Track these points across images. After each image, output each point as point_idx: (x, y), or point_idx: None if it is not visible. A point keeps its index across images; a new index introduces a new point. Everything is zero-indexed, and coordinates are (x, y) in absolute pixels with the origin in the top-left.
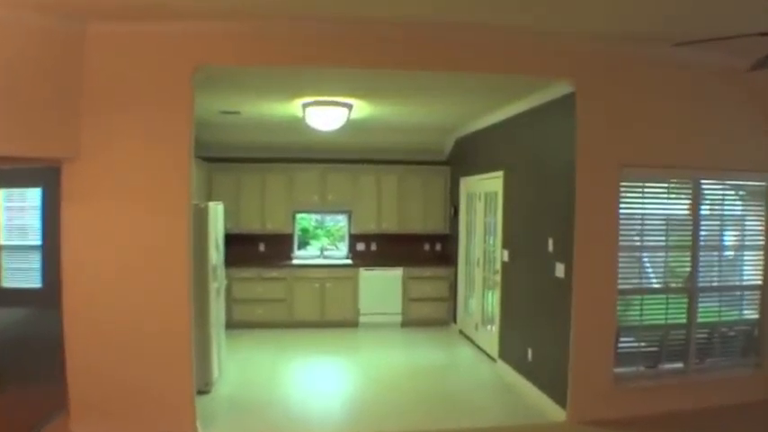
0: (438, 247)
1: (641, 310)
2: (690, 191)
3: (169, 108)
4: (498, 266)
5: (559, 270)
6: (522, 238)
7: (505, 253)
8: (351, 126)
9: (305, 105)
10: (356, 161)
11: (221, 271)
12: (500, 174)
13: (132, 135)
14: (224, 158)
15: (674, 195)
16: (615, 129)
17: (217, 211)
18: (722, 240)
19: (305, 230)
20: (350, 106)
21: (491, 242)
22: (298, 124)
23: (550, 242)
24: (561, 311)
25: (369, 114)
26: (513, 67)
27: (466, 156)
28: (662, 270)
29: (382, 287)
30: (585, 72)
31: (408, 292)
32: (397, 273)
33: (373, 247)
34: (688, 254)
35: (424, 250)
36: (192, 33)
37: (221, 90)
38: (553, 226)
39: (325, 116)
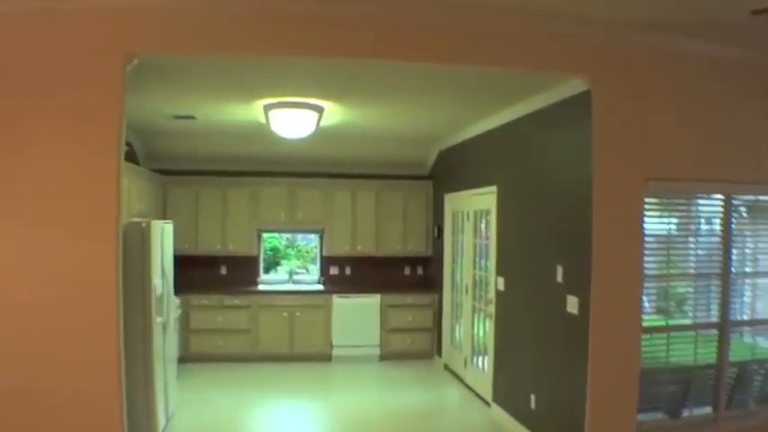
0: (420, 270)
1: (667, 348)
2: (721, 208)
3: (94, 105)
4: (492, 296)
5: (572, 304)
6: (523, 265)
7: (500, 281)
8: (322, 135)
9: (267, 108)
10: (328, 175)
11: (170, 301)
12: (493, 189)
13: (47, 138)
14: (180, 171)
15: (703, 213)
16: (639, 134)
17: (163, 230)
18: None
19: (275, 250)
20: (320, 109)
21: (482, 267)
22: (262, 132)
23: (559, 271)
24: (574, 353)
25: (342, 120)
26: (514, 59)
27: (452, 169)
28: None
29: (358, 316)
30: (603, 67)
31: (387, 321)
32: (374, 300)
33: (348, 270)
34: (717, 282)
35: (404, 274)
36: (124, 12)
37: (169, 88)
38: (563, 252)
39: (292, 121)
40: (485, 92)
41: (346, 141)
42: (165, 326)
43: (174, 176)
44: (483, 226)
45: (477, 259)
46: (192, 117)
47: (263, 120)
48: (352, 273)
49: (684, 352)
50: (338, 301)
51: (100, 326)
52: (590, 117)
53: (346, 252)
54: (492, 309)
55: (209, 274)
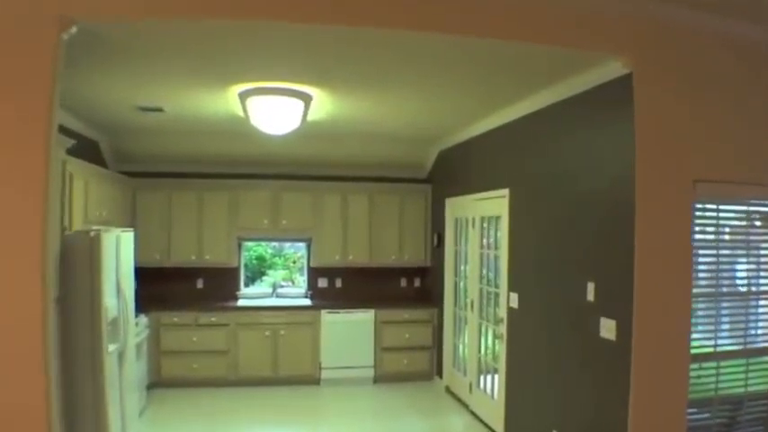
0: (417, 283)
1: (716, 377)
2: None
3: (17, 83)
4: (503, 314)
5: (607, 328)
6: (541, 280)
7: (513, 297)
8: (309, 132)
9: (244, 95)
10: (316, 177)
11: (128, 324)
12: (504, 192)
13: None
14: (151, 173)
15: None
16: (687, 128)
17: (120, 240)
18: None
19: (261, 259)
20: (306, 98)
21: (491, 280)
22: (242, 128)
23: (590, 288)
24: (610, 385)
25: (331, 114)
26: (542, 34)
27: (454, 171)
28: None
29: (349, 334)
30: (648, 46)
31: (381, 339)
32: (367, 315)
33: (338, 283)
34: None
35: (400, 287)
36: None
37: (129, 71)
38: (595, 266)
39: (274, 111)
40: (500, 77)
41: (336, 140)
42: (121, 353)
43: (145, 179)
44: (491, 234)
45: (485, 272)
46: (159, 109)
47: (240, 112)
48: (343, 285)
49: (732, 381)
50: (327, 317)
51: (21, 361)
52: (628, 107)
53: (336, 263)
54: (503, 328)
55: (184, 288)
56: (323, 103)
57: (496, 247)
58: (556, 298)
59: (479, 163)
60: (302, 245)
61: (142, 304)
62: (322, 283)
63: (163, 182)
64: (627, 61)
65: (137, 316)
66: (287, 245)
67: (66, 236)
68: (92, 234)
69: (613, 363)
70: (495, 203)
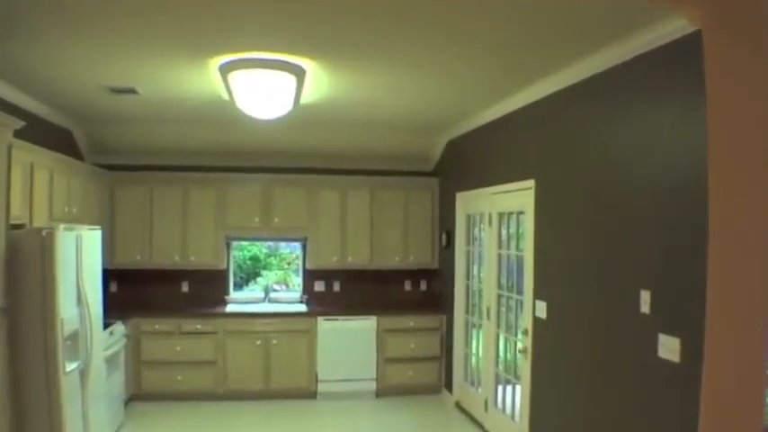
0: (423, 286)
1: None
2: None
3: None
4: (527, 325)
5: (668, 347)
6: (577, 286)
7: (541, 305)
8: (303, 119)
9: (225, 69)
10: (312, 170)
11: (93, 337)
12: (530, 183)
13: None
14: (131, 166)
15: None
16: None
17: (82, 240)
18: None
19: (255, 259)
20: (299, 72)
21: (512, 286)
22: (228, 114)
23: (645, 298)
24: (670, 416)
25: (327, 96)
26: None
27: (466, 162)
28: None
29: (349, 343)
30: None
31: (384, 349)
32: (368, 323)
33: (336, 287)
34: None
35: (404, 291)
36: None
37: (90, 42)
38: (651, 271)
39: (262, 88)
40: (526, 46)
41: (333, 128)
42: (83, 371)
43: (124, 172)
44: (512, 232)
45: (504, 275)
46: (133, 90)
47: (225, 94)
48: (342, 290)
49: None
50: (324, 324)
51: None
52: (695, 74)
53: (334, 265)
54: (527, 341)
55: (168, 292)
56: (318, 81)
57: (518, 248)
58: (598, 309)
59: (498, 151)
60: (297, 245)
61: (120, 310)
62: (318, 286)
63: (144, 175)
64: (694, 15)
65: (113, 324)
66: (282, 244)
67: (14, 234)
68: (44, 233)
69: (676, 389)
70: (518, 197)
